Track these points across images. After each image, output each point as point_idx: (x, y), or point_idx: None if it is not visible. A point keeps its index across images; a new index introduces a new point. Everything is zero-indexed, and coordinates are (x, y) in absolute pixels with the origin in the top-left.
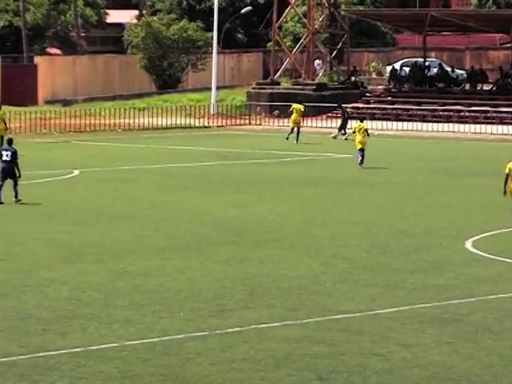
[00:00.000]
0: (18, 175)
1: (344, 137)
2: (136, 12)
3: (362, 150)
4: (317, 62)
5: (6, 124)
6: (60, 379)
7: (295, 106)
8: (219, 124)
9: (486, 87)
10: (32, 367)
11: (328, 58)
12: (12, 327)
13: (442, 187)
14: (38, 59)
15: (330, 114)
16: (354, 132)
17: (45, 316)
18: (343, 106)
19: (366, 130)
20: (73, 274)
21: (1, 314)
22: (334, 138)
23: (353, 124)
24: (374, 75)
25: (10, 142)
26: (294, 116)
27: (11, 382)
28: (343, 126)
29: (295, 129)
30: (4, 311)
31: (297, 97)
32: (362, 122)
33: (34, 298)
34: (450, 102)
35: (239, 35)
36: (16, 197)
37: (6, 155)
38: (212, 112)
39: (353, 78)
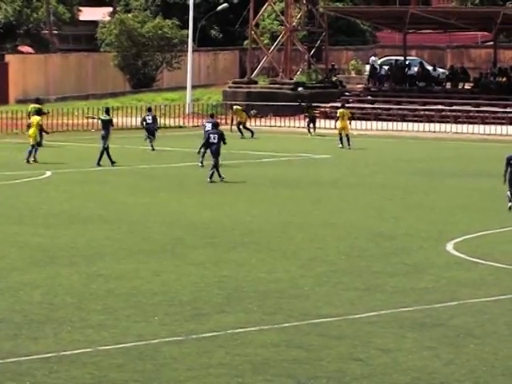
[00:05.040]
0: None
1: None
2: (110, 9)
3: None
4: (372, 58)
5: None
6: None
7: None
8: (195, 124)
9: (468, 86)
10: (3, 373)
11: (306, 57)
12: None
13: (422, 188)
14: (8, 57)
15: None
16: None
17: (16, 320)
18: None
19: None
20: (45, 277)
21: None
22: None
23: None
24: (353, 74)
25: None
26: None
27: None
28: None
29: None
30: None
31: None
32: (343, 107)
33: (6, 302)
34: (431, 101)
35: (215, 33)
36: (220, 176)
37: (214, 138)
38: (187, 111)
39: (333, 78)
